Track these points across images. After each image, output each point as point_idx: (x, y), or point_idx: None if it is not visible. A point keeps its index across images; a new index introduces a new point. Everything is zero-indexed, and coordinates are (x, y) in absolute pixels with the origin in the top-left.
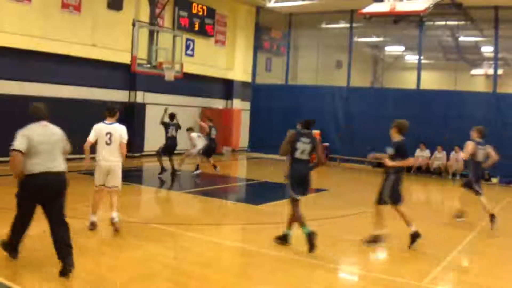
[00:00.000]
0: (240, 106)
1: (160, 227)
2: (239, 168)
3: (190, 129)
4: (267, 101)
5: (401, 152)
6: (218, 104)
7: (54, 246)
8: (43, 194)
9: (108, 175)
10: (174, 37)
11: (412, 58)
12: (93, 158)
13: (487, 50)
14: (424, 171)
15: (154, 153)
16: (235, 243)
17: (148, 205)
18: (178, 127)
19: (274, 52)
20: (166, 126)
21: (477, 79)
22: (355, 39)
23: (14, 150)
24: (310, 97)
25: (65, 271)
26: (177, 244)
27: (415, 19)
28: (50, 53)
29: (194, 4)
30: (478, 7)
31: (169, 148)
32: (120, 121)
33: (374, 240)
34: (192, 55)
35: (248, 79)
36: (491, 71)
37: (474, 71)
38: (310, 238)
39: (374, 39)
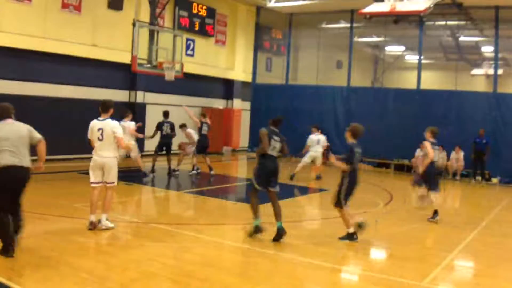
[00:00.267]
0: (240, 106)
1: (160, 227)
2: (239, 168)
3: (183, 126)
4: (267, 101)
5: (347, 156)
6: (218, 104)
7: None
8: (6, 186)
9: (104, 171)
10: (174, 37)
11: (412, 58)
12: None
13: (487, 50)
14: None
15: (153, 153)
16: (235, 243)
17: (148, 205)
18: (172, 125)
19: (274, 52)
20: (159, 124)
21: (477, 79)
22: (355, 39)
23: None
24: (310, 97)
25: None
26: (177, 244)
27: (415, 19)
28: (50, 53)
29: (194, 4)
30: (478, 7)
31: (163, 146)
32: (120, 121)
33: (348, 236)
34: (192, 55)
35: (248, 79)
36: (491, 71)
37: (475, 71)
38: (256, 230)
39: (374, 39)
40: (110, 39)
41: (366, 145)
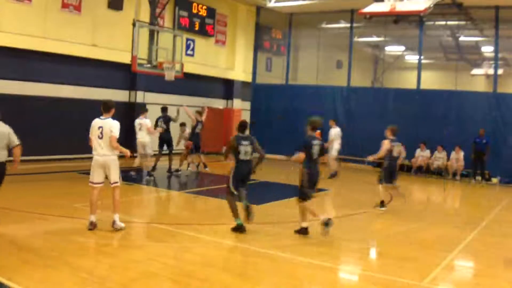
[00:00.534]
0: (240, 106)
1: (161, 227)
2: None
3: (183, 125)
4: (267, 101)
5: (303, 147)
6: (218, 104)
7: None
8: None
9: (106, 171)
10: (174, 37)
11: (412, 58)
12: None
13: (487, 50)
14: (424, 171)
15: (155, 153)
16: (235, 243)
17: (149, 205)
18: (168, 119)
19: (274, 52)
20: (156, 120)
21: (477, 79)
22: (355, 39)
23: None
24: (310, 97)
25: None
26: (177, 244)
27: (415, 19)
28: (50, 53)
29: (194, 4)
30: (478, 7)
31: (163, 143)
32: (120, 120)
33: (300, 231)
34: (192, 55)
35: (248, 79)
36: (491, 71)
37: (475, 71)
38: (238, 228)
39: (374, 39)
40: (110, 39)
41: (366, 145)
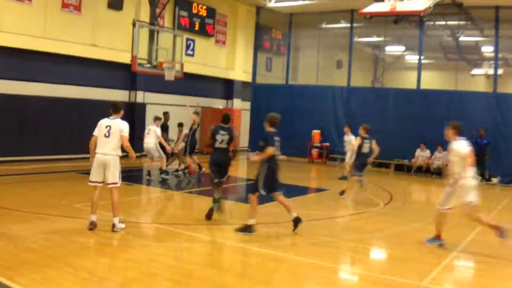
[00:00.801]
0: (241, 106)
1: (161, 227)
2: (239, 168)
3: (180, 125)
4: (267, 101)
5: (266, 142)
6: (219, 104)
7: None
8: None
9: (105, 170)
10: (174, 37)
11: (412, 58)
12: None
13: (488, 50)
14: (424, 171)
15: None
16: (235, 243)
17: (149, 205)
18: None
19: (274, 52)
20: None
21: (478, 79)
22: (356, 39)
23: None
24: (310, 97)
25: None
26: (177, 244)
27: (416, 19)
28: (50, 53)
29: (194, 4)
30: (478, 7)
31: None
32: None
33: (245, 229)
34: (192, 55)
35: (249, 79)
36: (491, 71)
37: (475, 71)
38: (210, 212)
39: (374, 39)
40: (110, 39)
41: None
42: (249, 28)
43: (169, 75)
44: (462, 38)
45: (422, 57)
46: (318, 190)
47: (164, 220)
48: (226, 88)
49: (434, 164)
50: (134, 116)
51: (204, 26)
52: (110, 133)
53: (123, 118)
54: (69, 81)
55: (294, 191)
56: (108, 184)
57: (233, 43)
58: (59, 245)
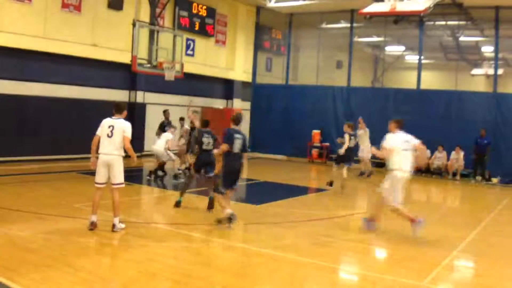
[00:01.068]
0: (241, 106)
1: (161, 227)
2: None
3: (182, 119)
4: (267, 101)
5: (226, 138)
6: (219, 104)
7: None
8: None
9: (109, 170)
10: (174, 37)
11: (412, 58)
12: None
13: (488, 50)
14: (424, 171)
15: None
16: (235, 243)
17: (148, 205)
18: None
19: (274, 52)
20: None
21: (478, 79)
22: (356, 39)
23: None
24: (310, 97)
25: None
26: (177, 244)
27: (416, 19)
28: (50, 53)
29: (194, 4)
30: (478, 7)
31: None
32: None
33: (221, 221)
34: (192, 55)
35: (249, 79)
36: (491, 71)
37: (475, 71)
38: (177, 204)
39: (374, 39)
40: (110, 39)
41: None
42: (249, 28)
43: (169, 75)
44: (462, 38)
45: (422, 57)
46: (318, 190)
47: (164, 220)
48: (226, 88)
49: (434, 164)
50: (134, 116)
51: (204, 26)
52: (113, 133)
53: (125, 119)
54: (68, 81)
55: (294, 191)
56: (113, 184)
57: (233, 43)
58: (59, 245)
